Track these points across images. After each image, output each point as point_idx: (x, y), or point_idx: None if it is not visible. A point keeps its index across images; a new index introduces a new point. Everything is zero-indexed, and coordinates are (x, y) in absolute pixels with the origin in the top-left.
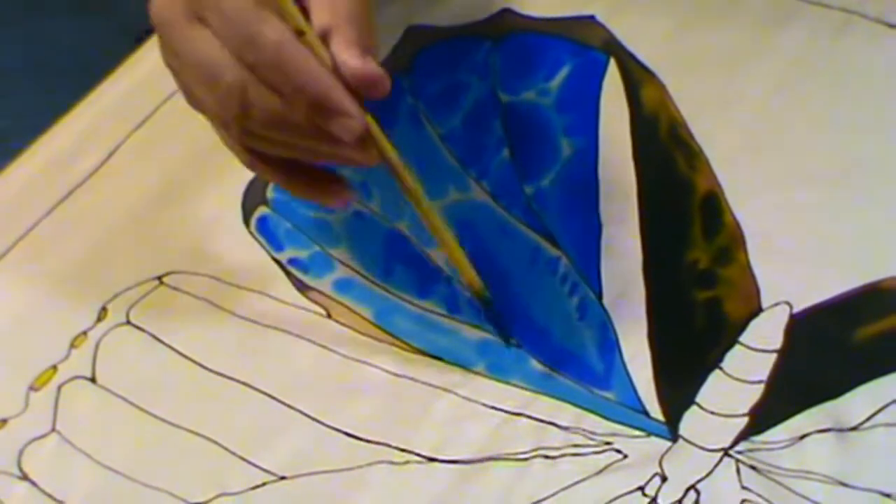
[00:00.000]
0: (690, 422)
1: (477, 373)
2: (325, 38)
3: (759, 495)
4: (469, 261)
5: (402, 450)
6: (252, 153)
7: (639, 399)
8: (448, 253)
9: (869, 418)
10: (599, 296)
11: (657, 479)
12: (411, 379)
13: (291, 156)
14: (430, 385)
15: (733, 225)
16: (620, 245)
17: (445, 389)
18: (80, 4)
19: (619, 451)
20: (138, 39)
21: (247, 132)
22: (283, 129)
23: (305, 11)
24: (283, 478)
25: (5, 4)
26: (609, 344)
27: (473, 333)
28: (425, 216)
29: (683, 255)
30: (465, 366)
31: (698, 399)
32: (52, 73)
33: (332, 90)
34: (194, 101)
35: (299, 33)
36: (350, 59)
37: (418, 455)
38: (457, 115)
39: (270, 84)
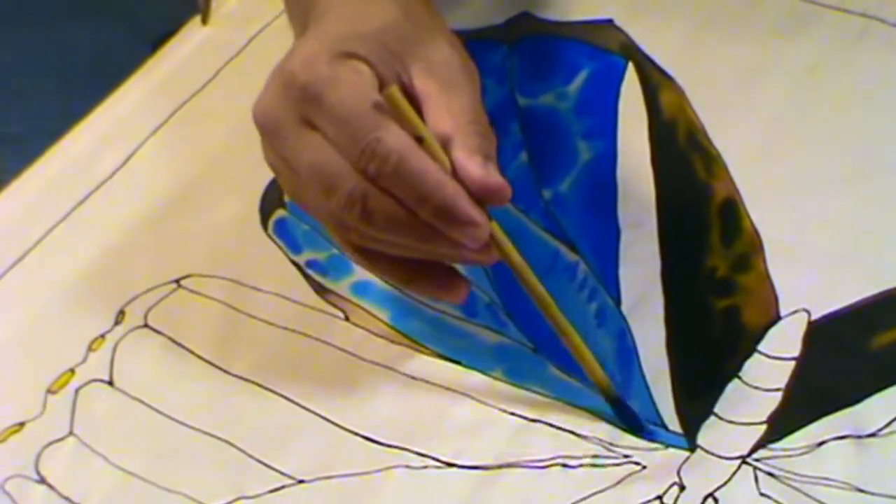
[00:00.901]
0: (708, 432)
1: (494, 377)
2: (444, 143)
3: (778, 502)
4: (595, 358)
5: (421, 454)
6: (366, 252)
7: (656, 410)
8: (574, 352)
9: (887, 425)
10: (618, 302)
11: (675, 488)
12: (429, 383)
13: (408, 255)
14: (448, 389)
15: (751, 231)
16: (639, 251)
17: (463, 394)
18: (97, 10)
19: (637, 463)
20: (154, 45)
21: (363, 235)
22: (404, 234)
23: (420, 114)
24: (301, 481)
25: (23, 10)
26: (627, 352)
27: (491, 337)
28: (549, 314)
29: (702, 262)
30: (482, 370)
31: (717, 409)
32: (69, 78)
33: (457, 200)
34: (305, 205)
35: (418, 139)
36: (472, 168)
37: (436, 460)
38: None
39: (391, 192)
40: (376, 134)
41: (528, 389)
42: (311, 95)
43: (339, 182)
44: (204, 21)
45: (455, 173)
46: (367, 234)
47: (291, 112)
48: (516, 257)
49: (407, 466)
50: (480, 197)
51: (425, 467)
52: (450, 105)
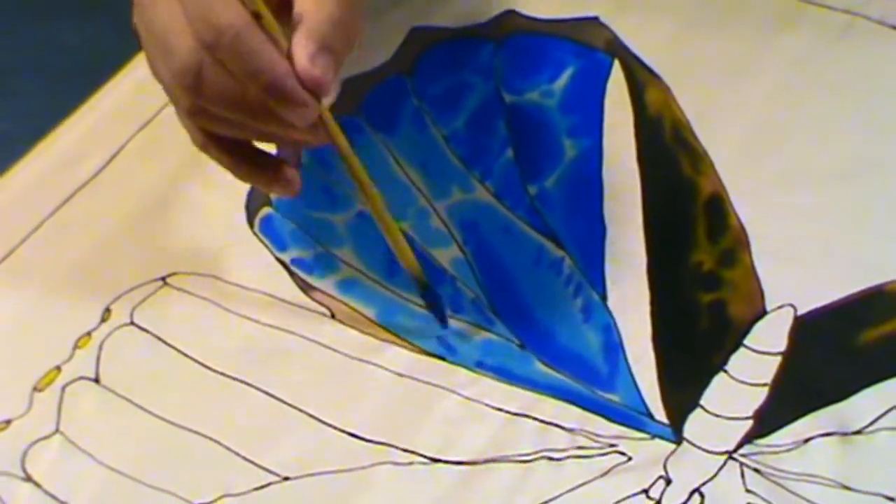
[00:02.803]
0: (695, 424)
1: (480, 374)
2: (297, 23)
3: (763, 498)
4: (409, 245)
5: (406, 450)
6: (204, 133)
7: (643, 401)
8: (388, 235)
9: (873, 422)
10: (604, 297)
11: (661, 482)
12: (415, 379)
13: (242, 136)
14: (434, 385)
15: (738, 227)
16: (625, 247)
17: (449, 390)
18: (83, 7)
19: (623, 454)
20: None
21: (199, 110)
22: (235, 109)
23: None
24: (286, 478)
25: (9, 6)
26: (613, 346)
27: (477, 334)
28: (368, 199)
29: (688, 257)
30: (468, 366)
31: (703, 401)
32: (55, 75)
33: (287, 79)
34: (152, 69)
35: (256, 16)
36: (300, 55)
37: (422, 456)
38: (461, 116)
39: (226, 65)
40: (217, 7)
41: (514, 385)
42: None
43: (177, 48)
44: None
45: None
46: (201, 108)
47: None
48: (341, 140)
49: (392, 463)
50: (302, 84)
51: (411, 463)
52: None
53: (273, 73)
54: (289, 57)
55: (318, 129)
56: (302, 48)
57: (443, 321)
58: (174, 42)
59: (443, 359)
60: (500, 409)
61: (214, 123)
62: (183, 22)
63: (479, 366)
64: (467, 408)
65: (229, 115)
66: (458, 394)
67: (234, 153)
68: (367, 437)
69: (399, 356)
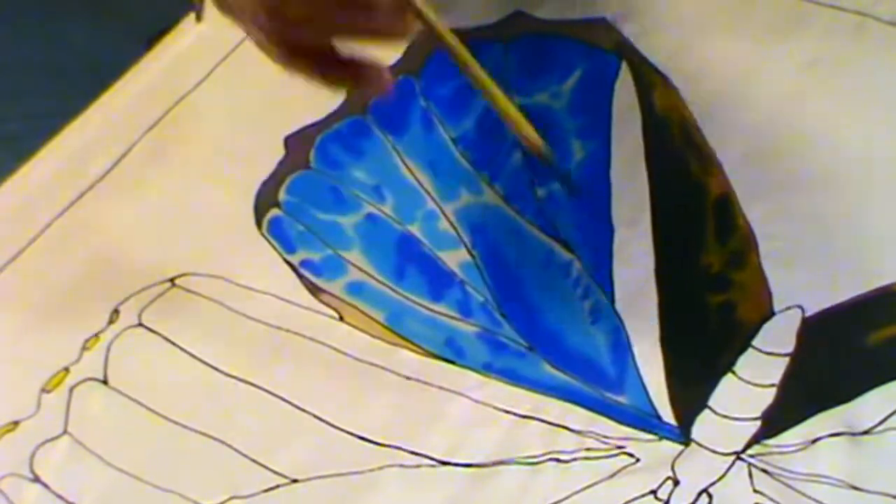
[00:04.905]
0: (703, 425)
1: (488, 376)
2: None
3: (772, 499)
4: (526, 118)
5: (414, 453)
6: (287, 47)
7: (651, 403)
8: (502, 110)
9: (881, 422)
10: (612, 299)
11: (669, 483)
12: (424, 382)
13: (325, 37)
14: (443, 388)
15: (746, 228)
16: (633, 248)
17: (458, 393)
18: (92, 8)
19: (631, 455)
20: (149, 43)
21: (281, 19)
22: (319, 5)
23: None
24: (294, 481)
25: (19, 8)
26: (621, 348)
27: (485, 337)
28: (473, 76)
29: (696, 258)
30: (476, 369)
31: (711, 403)
32: (64, 76)
33: None
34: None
35: None
36: None
37: (430, 458)
38: (469, 118)
39: None
40: None
41: (522, 388)
42: None
43: None
44: (198, 19)
45: None
46: (284, 17)
47: None
48: (430, 15)
49: (401, 465)
50: None
51: (419, 466)
52: None
53: None
54: None
55: (404, 13)
56: None
57: (573, 192)
58: None
59: (451, 362)
60: (508, 412)
61: (295, 30)
62: None
63: (488, 368)
64: (475, 410)
65: (310, 10)
66: (467, 396)
67: (319, 61)
68: (376, 439)
69: (407, 359)
